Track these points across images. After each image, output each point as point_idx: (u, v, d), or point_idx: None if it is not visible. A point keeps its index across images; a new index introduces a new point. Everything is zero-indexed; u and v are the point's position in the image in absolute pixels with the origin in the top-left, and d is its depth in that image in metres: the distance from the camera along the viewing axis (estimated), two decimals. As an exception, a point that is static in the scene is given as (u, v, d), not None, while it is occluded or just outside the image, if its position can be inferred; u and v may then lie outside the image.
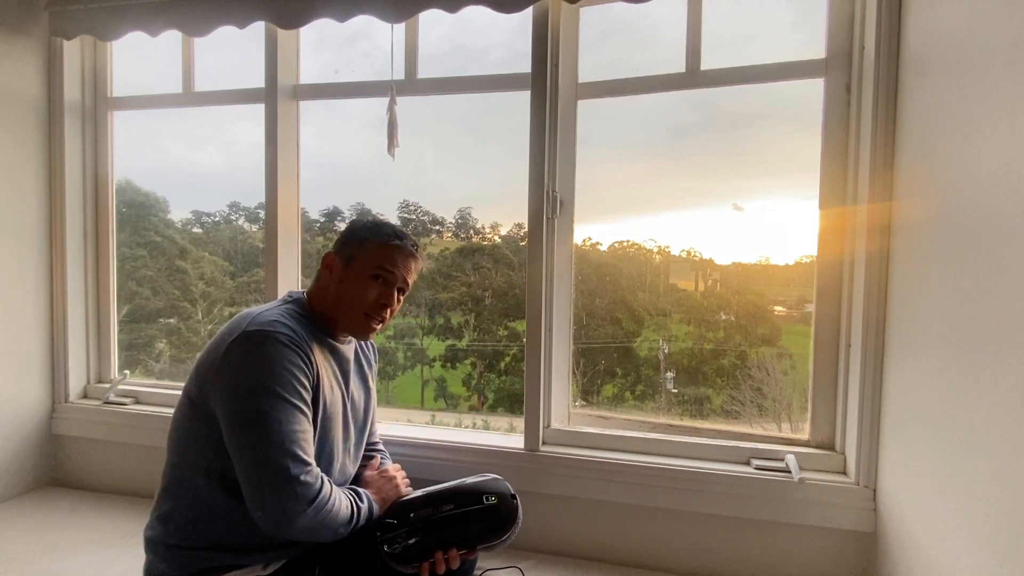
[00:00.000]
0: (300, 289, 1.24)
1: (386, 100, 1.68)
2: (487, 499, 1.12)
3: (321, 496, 0.99)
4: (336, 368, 1.18)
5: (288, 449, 0.97)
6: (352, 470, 1.25)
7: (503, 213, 2.37)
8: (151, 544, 1.08)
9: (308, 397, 1.04)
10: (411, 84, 1.78)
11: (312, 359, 1.06)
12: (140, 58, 2.12)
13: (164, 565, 1.06)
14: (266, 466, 0.96)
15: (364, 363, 1.32)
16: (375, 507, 1.14)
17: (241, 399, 0.99)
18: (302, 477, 0.97)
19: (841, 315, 1.48)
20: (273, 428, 0.96)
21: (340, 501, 1.04)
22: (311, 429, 1.04)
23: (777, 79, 1.52)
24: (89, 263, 2.08)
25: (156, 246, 2.43)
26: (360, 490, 1.15)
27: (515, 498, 1.16)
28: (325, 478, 1.02)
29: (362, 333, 1.19)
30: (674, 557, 1.55)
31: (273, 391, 0.98)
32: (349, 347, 1.24)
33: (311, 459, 1.00)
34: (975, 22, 1.03)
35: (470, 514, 1.11)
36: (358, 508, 1.09)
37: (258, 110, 1.85)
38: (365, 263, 1.15)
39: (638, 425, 1.70)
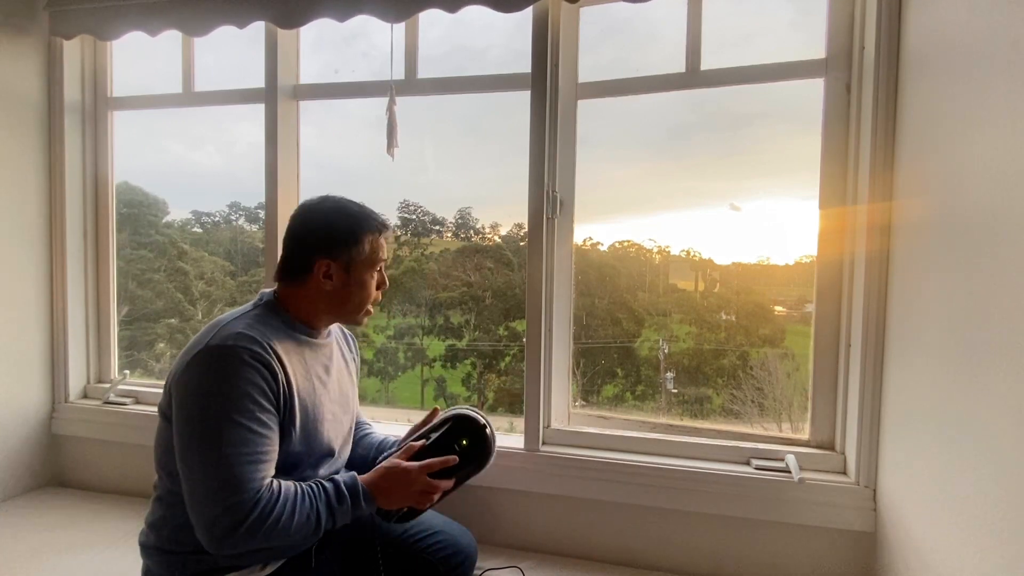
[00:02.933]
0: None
1: (386, 100, 1.68)
2: (459, 445, 1.15)
3: (253, 518, 0.94)
4: (318, 365, 1.16)
5: (222, 473, 0.94)
6: (347, 452, 1.26)
7: (503, 213, 2.37)
8: (146, 550, 1.09)
9: (269, 413, 1.00)
10: (411, 84, 1.78)
11: (278, 369, 1.02)
12: (140, 58, 2.12)
13: (162, 569, 1.06)
14: (201, 487, 0.95)
15: (346, 349, 1.31)
16: (367, 495, 1.08)
17: (189, 417, 0.97)
18: (231, 500, 0.93)
19: (841, 315, 1.48)
20: (212, 451, 0.94)
21: (294, 514, 0.99)
22: (267, 445, 0.99)
23: (777, 79, 1.52)
24: (89, 263, 2.08)
25: (155, 246, 2.43)
26: (346, 486, 1.07)
27: (485, 427, 1.18)
28: (269, 495, 0.97)
29: (361, 321, 1.20)
30: (674, 557, 1.55)
31: (222, 413, 0.95)
32: (329, 341, 1.22)
33: (252, 480, 0.95)
34: (975, 22, 1.03)
35: (450, 468, 1.14)
36: (329, 513, 1.03)
37: (258, 110, 1.85)
38: (366, 262, 1.14)
39: (638, 425, 1.70)
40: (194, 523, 0.96)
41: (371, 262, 1.15)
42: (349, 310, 1.16)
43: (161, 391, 1.08)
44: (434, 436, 1.17)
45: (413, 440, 1.20)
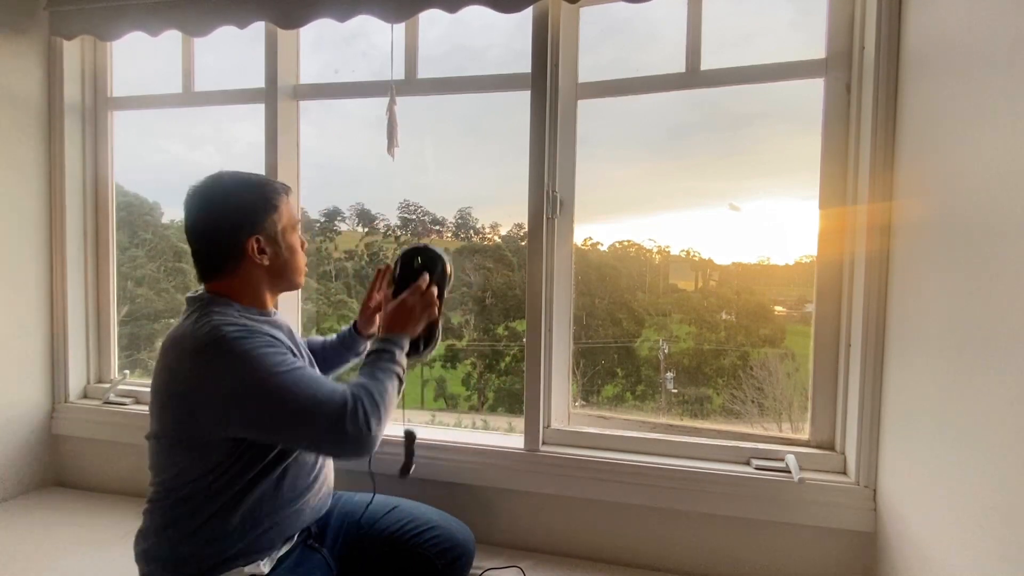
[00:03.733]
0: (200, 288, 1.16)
1: (386, 100, 1.68)
2: (417, 264, 1.28)
3: (363, 409, 1.00)
4: (284, 337, 1.15)
5: (312, 403, 0.97)
6: None
7: (503, 213, 2.37)
8: (147, 555, 1.08)
9: (298, 357, 1.05)
10: (411, 84, 1.78)
11: (270, 338, 1.04)
12: (140, 58, 2.12)
13: (166, 572, 1.06)
14: (308, 431, 0.98)
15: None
16: (396, 336, 1.16)
17: (247, 404, 0.97)
18: (336, 413, 0.98)
19: (841, 315, 1.48)
20: (288, 404, 0.96)
21: (381, 384, 1.06)
22: (315, 372, 1.05)
23: (777, 79, 1.52)
24: (89, 263, 2.08)
25: (153, 246, 2.43)
26: (380, 344, 1.14)
27: (426, 245, 1.30)
28: (355, 389, 1.02)
29: (301, 283, 1.22)
30: (674, 557, 1.55)
31: (265, 377, 0.96)
32: (279, 315, 1.22)
33: (335, 391, 1.00)
34: (975, 22, 1.03)
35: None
36: (395, 366, 1.12)
37: (258, 110, 1.85)
38: (288, 226, 1.15)
39: (638, 425, 1.70)
40: (331, 453, 1.08)
41: (292, 224, 1.17)
42: (290, 277, 1.17)
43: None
44: (395, 275, 1.29)
45: (379, 292, 1.32)
